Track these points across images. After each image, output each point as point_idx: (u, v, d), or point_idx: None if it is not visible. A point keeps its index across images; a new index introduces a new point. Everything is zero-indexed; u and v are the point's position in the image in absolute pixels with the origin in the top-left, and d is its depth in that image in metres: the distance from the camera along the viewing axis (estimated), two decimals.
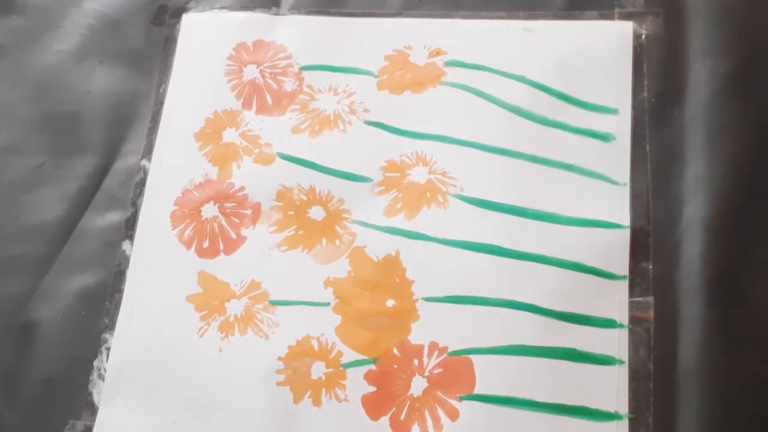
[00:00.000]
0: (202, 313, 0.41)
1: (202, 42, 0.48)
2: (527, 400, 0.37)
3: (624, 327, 0.37)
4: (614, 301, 0.38)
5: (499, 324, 0.39)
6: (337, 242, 0.42)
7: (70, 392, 0.41)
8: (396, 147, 0.44)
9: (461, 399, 0.38)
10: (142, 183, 0.45)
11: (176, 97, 0.47)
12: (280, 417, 0.39)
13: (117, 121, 0.47)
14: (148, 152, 0.46)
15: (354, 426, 0.38)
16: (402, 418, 0.38)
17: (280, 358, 0.40)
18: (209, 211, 0.44)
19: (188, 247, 0.43)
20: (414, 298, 0.40)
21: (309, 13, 0.48)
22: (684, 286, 0.38)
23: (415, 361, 0.39)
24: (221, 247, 0.43)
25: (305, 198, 0.43)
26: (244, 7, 0.49)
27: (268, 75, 0.47)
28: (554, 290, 0.39)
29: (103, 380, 0.41)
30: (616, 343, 0.37)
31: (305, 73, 0.47)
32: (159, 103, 0.47)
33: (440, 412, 0.38)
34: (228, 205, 0.44)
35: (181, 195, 0.45)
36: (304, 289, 0.41)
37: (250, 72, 0.47)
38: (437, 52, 0.45)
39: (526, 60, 0.44)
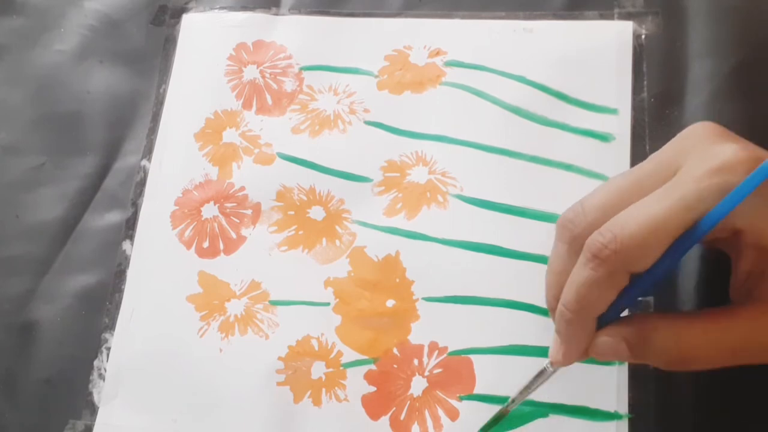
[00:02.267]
0: (203, 313, 0.41)
1: (202, 42, 0.48)
2: (527, 399, 0.37)
3: None
4: None
5: (499, 324, 0.39)
6: (337, 242, 0.42)
7: (70, 392, 0.41)
8: (396, 147, 0.44)
9: (461, 399, 0.38)
10: (143, 183, 0.45)
11: (176, 97, 0.47)
12: (280, 417, 0.39)
13: (117, 121, 0.47)
14: (148, 152, 0.46)
15: (354, 426, 0.38)
16: (402, 417, 0.38)
17: (280, 358, 0.40)
18: (209, 211, 0.44)
19: (188, 247, 0.43)
20: (414, 298, 0.40)
21: (309, 13, 0.48)
22: (684, 286, 0.38)
23: (415, 361, 0.39)
24: (221, 247, 0.43)
25: (305, 198, 0.43)
26: (244, 8, 0.49)
27: (268, 75, 0.47)
28: None
29: (104, 380, 0.41)
30: None
31: (305, 73, 0.47)
32: (159, 103, 0.47)
33: (440, 412, 0.38)
34: (228, 205, 0.44)
35: (181, 195, 0.45)
36: (304, 289, 0.41)
37: (250, 72, 0.47)
38: (437, 53, 0.46)
39: (525, 60, 0.44)
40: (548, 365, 0.33)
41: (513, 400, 0.35)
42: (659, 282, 0.30)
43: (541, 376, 0.34)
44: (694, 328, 0.31)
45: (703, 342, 0.31)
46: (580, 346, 0.32)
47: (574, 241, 0.32)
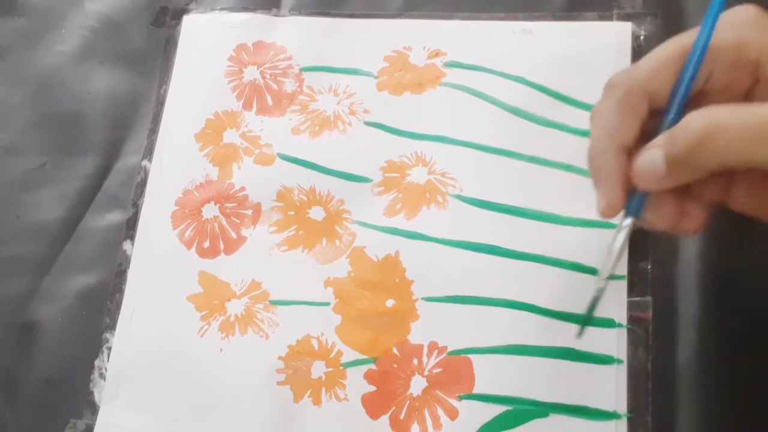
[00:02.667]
0: (203, 313, 0.42)
1: (203, 43, 0.49)
2: (526, 399, 0.37)
3: (623, 327, 0.38)
4: (613, 301, 0.38)
5: (499, 324, 0.39)
6: (337, 242, 0.42)
7: (71, 392, 0.41)
8: (395, 147, 0.44)
9: (460, 398, 0.38)
10: (143, 183, 0.45)
11: (177, 97, 0.47)
12: (280, 416, 0.39)
13: (118, 122, 0.47)
14: (149, 153, 0.46)
15: (354, 425, 0.38)
16: (402, 417, 0.38)
17: (280, 358, 0.40)
18: (210, 211, 0.44)
19: (189, 247, 0.43)
20: (413, 297, 0.40)
21: (309, 14, 0.48)
22: (682, 286, 0.38)
23: (415, 361, 0.39)
24: (222, 247, 0.43)
25: (305, 198, 0.44)
26: (245, 9, 0.49)
27: (268, 76, 0.47)
28: (554, 290, 0.39)
29: (105, 380, 0.41)
30: (614, 342, 0.37)
31: (305, 74, 0.47)
32: (160, 104, 0.47)
33: (440, 412, 0.38)
34: (228, 205, 0.44)
35: (181, 195, 0.45)
36: (304, 289, 0.41)
37: (251, 73, 0.47)
38: (437, 53, 0.46)
39: (525, 61, 0.44)
40: (622, 222, 0.33)
41: (605, 277, 0.34)
42: (683, 102, 0.31)
43: (617, 237, 0.33)
44: (722, 108, 0.30)
45: (729, 118, 0.29)
46: (614, 184, 0.32)
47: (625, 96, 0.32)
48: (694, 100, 0.31)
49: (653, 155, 0.31)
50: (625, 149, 0.32)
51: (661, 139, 0.31)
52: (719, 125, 0.29)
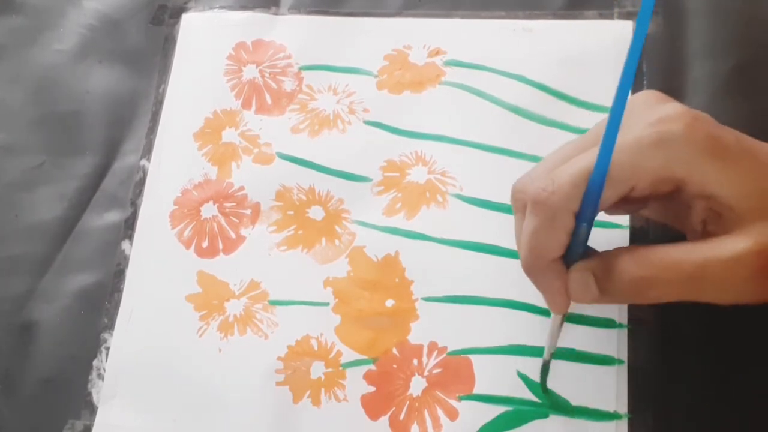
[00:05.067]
0: (202, 313, 0.41)
1: (202, 42, 0.48)
2: (526, 399, 0.37)
3: (623, 327, 0.37)
4: None
5: (499, 324, 0.39)
6: (337, 242, 0.42)
7: (69, 392, 0.41)
8: (395, 147, 0.44)
9: (460, 399, 0.38)
10: (142, 183, 0.45)
11: (175, 96, 0.47)
12: (279, 417, 0.39)
13: (116, 121, 0.47)
14: (147, 152, 0.46)
15: (353, 426, 0.38)
16: (401, 417, 0.38)
17: (279, 358, 0.40)
18: (208, 210, 0.44)
19: (187, 246, 0.43)
20: (413, 297, 0.40)
21: (308, 12, 0.48)
22: None
23: (415, 361, 0.39)
24: (220, 246, 0.43)
25: (305, 198, 0.43)
26: (244, 7, 0.49)
27: (267, 75, 0.47)
28: None
29: (103, 380, 0.41)
30: (615, 342, 0.37)
31: (304, 73, 0.47)
32: (158, 103, 0.47)
33: (439, 412, 0.38)
34: (227, 204, 0.44)
35: (180, 195, 0.45)
36: (303, 289, 0.41)
37: (250, 72, 0.47)
38: (437, 52, 0.46)
39: (525, 60, 0.44)
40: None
41: (548, 353, 0.36)
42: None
43: (554, 326, 0.35)
44: (655, 251, 0.32)
45: (663, 263, 0.31)
46: (557, 292, 0.33)
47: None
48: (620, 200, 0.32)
49: (586, 281, 0.32)
50: (558, 258, 0.33)
51: (591, 264, 0.32)
52: (649, 279, 0.31)
